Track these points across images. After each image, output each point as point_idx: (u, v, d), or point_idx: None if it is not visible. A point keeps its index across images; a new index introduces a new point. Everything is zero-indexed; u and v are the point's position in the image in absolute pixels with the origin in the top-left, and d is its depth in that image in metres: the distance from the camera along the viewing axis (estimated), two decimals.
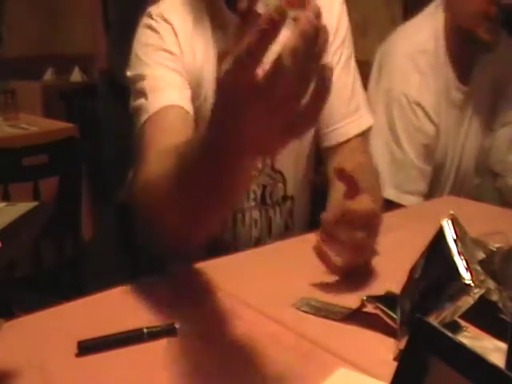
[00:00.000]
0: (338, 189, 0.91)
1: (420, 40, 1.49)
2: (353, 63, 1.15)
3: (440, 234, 0.69)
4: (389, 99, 1.48)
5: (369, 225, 0.84)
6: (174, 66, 1.03)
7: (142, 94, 1.01)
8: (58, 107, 4.21)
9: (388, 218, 1.14)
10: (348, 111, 1.13)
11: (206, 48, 1.06)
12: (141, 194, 0.84)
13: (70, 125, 2.75)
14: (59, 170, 2.16)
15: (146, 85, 1.01)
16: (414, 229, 1.06)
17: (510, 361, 0.50)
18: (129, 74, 1.07)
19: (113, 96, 2.27)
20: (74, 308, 0.84)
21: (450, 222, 0.69)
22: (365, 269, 0.90)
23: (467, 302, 0.62)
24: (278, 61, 0.48)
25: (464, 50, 1.48)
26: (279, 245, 1.05)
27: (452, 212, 0.70)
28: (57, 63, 4.78)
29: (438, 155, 1.52)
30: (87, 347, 0.70)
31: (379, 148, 1.48)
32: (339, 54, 1.12)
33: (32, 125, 2.69)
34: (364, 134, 1.16)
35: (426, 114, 1.47)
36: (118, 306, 0.83)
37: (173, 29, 1.06)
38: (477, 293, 0.62)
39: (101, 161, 2.40)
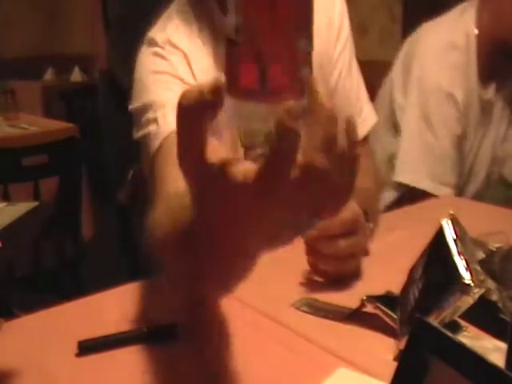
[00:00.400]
0: None
1: (451, 37, 1.49)
2: (355, 63, 1.14)
3: (440, 234, 0.69)
4: (422, 89, 1.47)
5: (351, 232, 0.84)
6: None
7: (152, 121, 0.94)
8: (58, 107, 4.21)
9: (388, 218, 1.14)
10: (354, 114, 1.12)
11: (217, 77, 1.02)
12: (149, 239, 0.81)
13: (70, 125, 2.75)
14: (59, 170, 2.16)
15: (156, 111, 0.94)
16: (414, 229, 1.05)
17: (510, 361, 0.50)
18: (133, 106, 1.00)
19: (113, 96, 2.27)
20: (73, 308, 0.84)
21: (449, 222, 0.69)
22: (359, 272, 0.90)
23: (467, 301, 0.62)
24: (309, 165, 0.41)
25: (494, 58, 1.48)
26: None
27: (452, 212, 0.70)
28: (57, 63, 4.78)
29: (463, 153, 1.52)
30: (87, 347, 0.70)
31: (412, 138, 1.47)
32: (343, 58, 1.11)
33: (32, 125, 2.69)
34: (368, 135, 1.16)
35: (458, 106, 1.46)
36: (118, 306, 0.83)
37: (185, 56, 0.99)
38: (477, 293, 0.62)
39: (101, 161, 2.40)
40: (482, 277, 0.63)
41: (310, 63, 0.42)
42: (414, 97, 1.49)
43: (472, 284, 0.62)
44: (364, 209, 0.92)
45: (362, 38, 3.52)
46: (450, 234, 0.67)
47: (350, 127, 0.44)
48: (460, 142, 1.48)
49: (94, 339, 0.71)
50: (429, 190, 1.44)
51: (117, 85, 2.12)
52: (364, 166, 1.13)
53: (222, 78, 0.41)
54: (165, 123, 0.91)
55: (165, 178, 0.85)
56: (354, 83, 1.13)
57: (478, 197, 1.53)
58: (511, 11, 1.43)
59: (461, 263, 0.64)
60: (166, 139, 0.90)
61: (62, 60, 4.77)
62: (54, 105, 4.24)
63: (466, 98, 1.48)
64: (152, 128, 0.94)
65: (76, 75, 4.72)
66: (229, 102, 0.41)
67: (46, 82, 4.58)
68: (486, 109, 1.52)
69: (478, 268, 0.64)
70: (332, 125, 0.42)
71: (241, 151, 0.46)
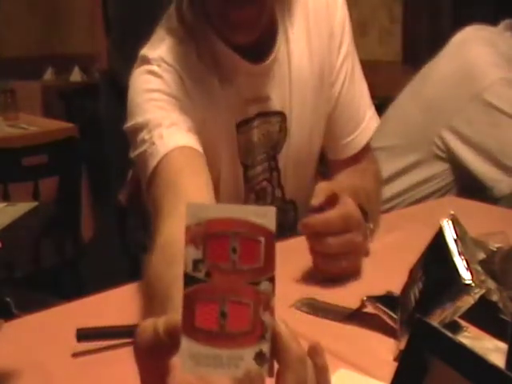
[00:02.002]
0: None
1: (505, 52, 1.46)
2: (357, 68, 1.12)
3: (440, 234, 0.69)
4: (482, 102, 1.42)
5: (342, 230, 0.85)
6: (180, 111, 0.95)
7: (148, 140, 0.92)
8: (58, 107, 4.21)
9: (388, 219, 1.14)
10: (357, 122, 1.12)
11: (212, 95, 1.00)
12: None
13: (70, 125, 2.76)
14: (59, 170, 2.17)
15: (151, 130, 0.92)
16: (414, 229, 1.05)
17: (510, 361, 0.50)
18: (127, 125, 0.97)
19: (114, 96, 2.27)
20: (73, 308, 0.84)
21: (450, 222, 0.69)
22: (359, 272, 0.90)
23: (467, 301, 0.62)
24: None
25: None
26: (279, 245, 1.05)
27: (452, 212, 0.70)
28: (57, 63, 4.78)
29: None
30: (85, 335, 0.70)
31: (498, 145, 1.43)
32: (346, 65, 1.10)
33: (32, 125, 2.69)
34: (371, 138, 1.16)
35: None
36: (118, 306, 0.83)
37: (178, 74, 0.97)
38: (477, 293, 0.62)
39: (101, 161, 2.41)
40: (483, 277, 0.63)
41: (272, 306, 0.40)
42: (478, 117, 1.43)
43: (472, 284, 0.61)
44: (363, 209, 0.92)
45: (362, 37, 3.52)
46: (450, 234, 0.67)
47: (321, 366, 0.42)
48: None
49: (92, 328, 0.71)
50: None
51: (117, 84, 2.12)
52: (365, 166, 1.13)
53: (179, 315, 0.39)
54: (161, 143, 0.91)
55: (163, 209, 0.85)
56: (356, 90, 1.12)
57: None
58: None
59: (461, 263, 0.64)
60: (163, 159, 0.90)
61: (61, 60, 4.77)
62: (54, 105, 4.24)
63: None
64: (148, 148, 0.92)
65: (76, 75, 4.72)
66: (184, 343, 0.39)
67: (45, 82, 4.58)
68: None
69: (479, 268, 0.64)
70: (301, 369, 0.40)
71: None
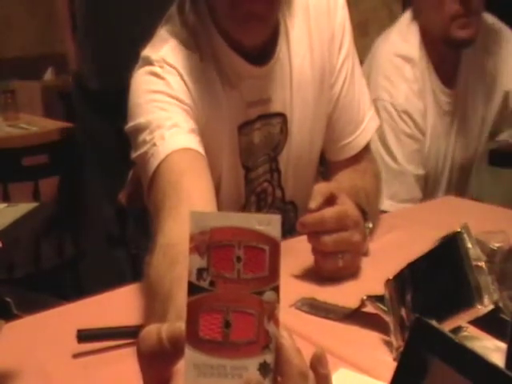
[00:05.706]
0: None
1: (404, 49, 1.49)
2: (357, 69, 1.12)
3: (452, 243, 0.68)
4: (376, 109, 1.47)
5: (337, 228, 0.86)
6: (182, 113, 0.94)
7: (149, 141, 0.91)
8: (58, 107, 4.21)
9: (388, 219, 1.14)
10: (357, 123, 1.12)
11: (215, 98, 0.99)
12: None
13: (70, 125, 2.75)
14: (59, 170, 2.17)
15: (153, 131, 0.91)
16: (414, 229, 1.06)
17: (510, 361, 0.50)
18: (128, 126, 0.96)
19: (82, 99, 2.15)
20: (73, 308, 0.85)
21: (465, 233, 0.68)
22: (359, 272, 0.90)
23: (473, 317, 0.62)
24: None
25: (445, 53, 1.49)
26: None
27: (466, 223, 0.69)
28: (57, 63, 4.78)
29: (429, 160, 1.51)
30: (86, 336, 0.70)
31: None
32: (346, 65, 1.10)
33: (32, 125, 2.68)
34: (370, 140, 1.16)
35: (414, 121, 1.47)
36: (118, 306, 0.83)
37: (180, 76, 0.96)
38: (486, 310, 0.61)
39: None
40: (492, 287, 0.62)
41: (276, 316, 0.40)
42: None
43: (483, 308, 0.61)
44: (363, 208, 0.92)
45: (362, 37, 3.51)
46: (465, 250, 0.67)
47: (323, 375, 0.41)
48: (420, 155, 1.47)
49: (93, 329, 0.72)
50: (388, 210, 1.39)
51: (85, 86, 2.01)
52: (364, 167, 1.13)
53: (183, 323, 0.39)
54: (163, 144, 0.90)
55: (164, 210, 0.85)
56: (356, 91, 1.11)
57: (467, 191, 1.51)
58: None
59: (475, 285, 0.63)
60: (165, 160, 0.89)
61: (62, 60, 4.77)
62: (54, 105, 4.23)
63: (425, 106, 1.47)
64: (149, 149, 0.91)
65: None
66: (188, 352, 0.38)
67: (45, 82, 4.57)
68: (455, 104, 1.51)
69: (492, 288, 0.63)
70: (301, 383, 0.39)
71: None
